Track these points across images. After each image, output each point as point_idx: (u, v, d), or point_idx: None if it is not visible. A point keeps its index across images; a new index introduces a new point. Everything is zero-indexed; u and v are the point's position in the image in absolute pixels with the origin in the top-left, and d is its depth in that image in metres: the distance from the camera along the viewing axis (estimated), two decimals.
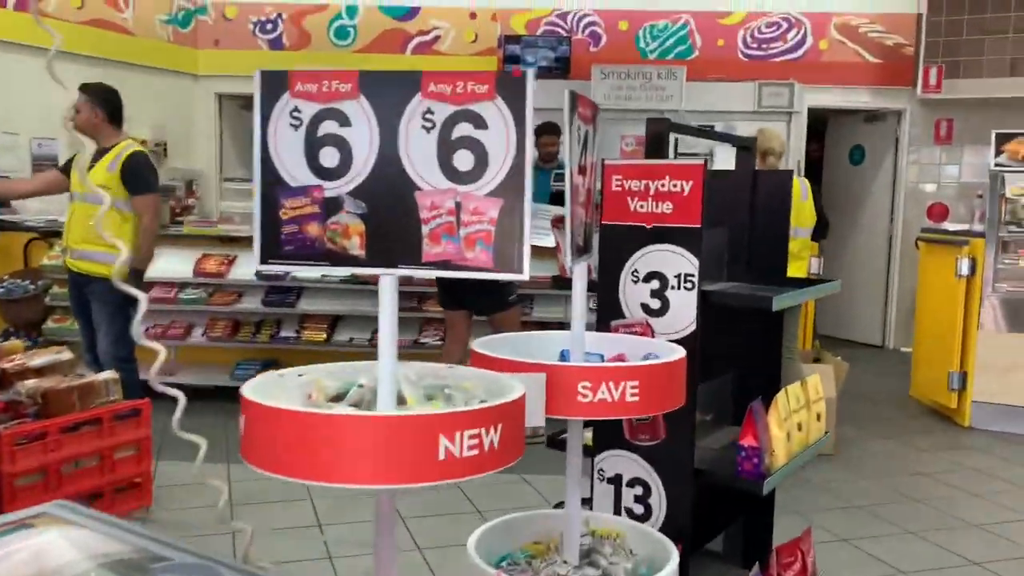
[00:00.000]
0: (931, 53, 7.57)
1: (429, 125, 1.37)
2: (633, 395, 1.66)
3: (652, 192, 2.12)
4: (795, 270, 4.56)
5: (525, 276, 1.36)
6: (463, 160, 1.37)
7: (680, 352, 1.83)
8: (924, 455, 4.85)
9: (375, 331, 1.43)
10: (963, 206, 7.79)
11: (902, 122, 8.15)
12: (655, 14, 8.05)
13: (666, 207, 2.11)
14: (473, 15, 8.12)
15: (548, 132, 5.99)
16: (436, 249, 1.39)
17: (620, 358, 1.95)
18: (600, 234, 2.21)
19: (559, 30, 8.05)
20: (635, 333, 2.16)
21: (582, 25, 8.08)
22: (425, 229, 1.38)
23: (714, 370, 2.58)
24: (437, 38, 8.18)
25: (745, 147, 2.67)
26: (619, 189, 2.17)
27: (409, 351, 5.12)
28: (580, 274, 1.77)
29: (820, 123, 9.15)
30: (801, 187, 4.51)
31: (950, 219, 7.79)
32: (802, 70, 8.01)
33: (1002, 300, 5.32)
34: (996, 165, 5.67)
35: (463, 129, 1.36)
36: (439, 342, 5.26)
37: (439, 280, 4.37)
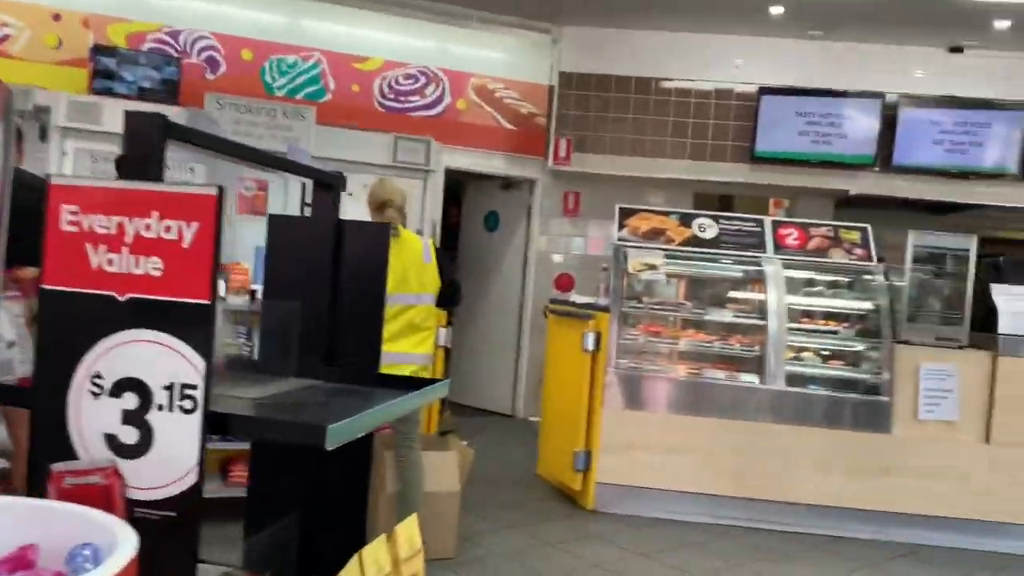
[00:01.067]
0: (561, 125, 7.63)
1: None
2: None
3: (130, 237, 1.21)
4: (420, 342, 3.89)
5: None
6: None
7: (129, 550, 0.93)
8: (547, 550, 4.41)
9: None
10: (588, 278, 7.90)
11: (535, 191, 8.13)
12: (284, 47, 7.20)
13: (153, 265, 1.21)
14: (57, 16, 6.62)
15: None
16: None
17: (22, 561, 0.99)
18: (40, 305, 1.25)
19: (169, 49, 6.84)
20: (93, 488, 1.21)
21: (197, 48, 6.96)
22: None
23: (266, 516, 1.72)
24: (7, 37, 6.52)
25: (327, 184, 1.87)
26: (74, 229, 1.23)
27: None
28: None
29: (459, 187, 8.92)
30: (424, 248, 3.88)
31: (575, 290, 7.85)
32: (440, 128, 7.66)
33: (623, 376, 5.17)
34: (619, 239, 5.62)
35: None
36: None
37: None
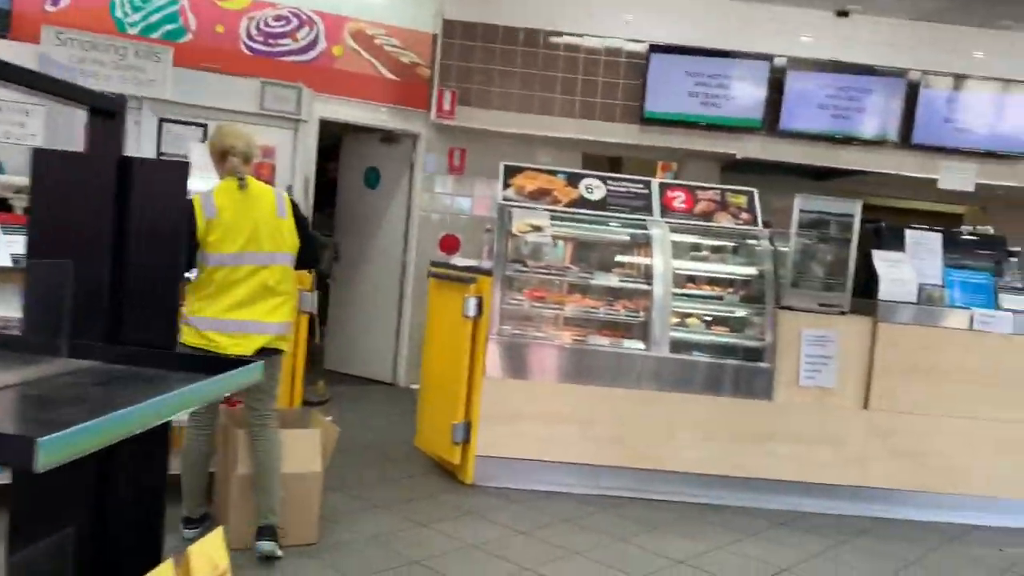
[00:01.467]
0: (445, 77, 7.22)
1: None
2: None
3: None
4: (274, 308, 3.48)
5: None
6: None
7: None
8: (420, 531, 4.11)
9: None
10: (474, 240, 7.58)
11: (417, 147, 7.71)
12: None
13: None
14: None
15: None
16: None
17: None
18: None
19: None
20: None
21: None
22: None
23: (34, 530, 1.34)
24: None
25: (106, 111, 1.46)
26: None
27: None
28: None
29: (337, 141, 8.39)
30: (277, 201, 3.45)
31: (461, 252, 7.53)
32: (314, 76, 7.12)
33: (506, 343, 4.90)
34: (504, 199, 5.31)
35: None
36: None
37: None
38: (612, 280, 5.20)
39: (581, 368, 4.93)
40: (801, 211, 5.05)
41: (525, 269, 5.11)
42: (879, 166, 7.44)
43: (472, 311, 4.86)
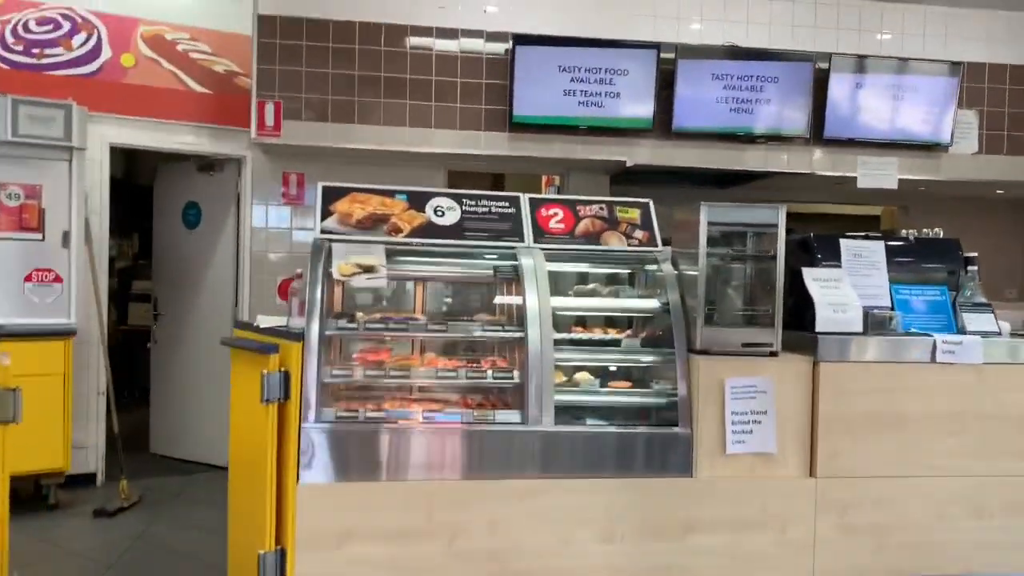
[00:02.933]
0: (266, 85, 5.82)
1: None
2: None
3: None
4: None
5: None
6: None
7: None
8: None
9: None
10: None
11: (243, 173, 6.29)
12: None
13: None
14: None
15: None
16: None
17: None
18: None
19: None
20: None
21: None
22: None
23: None
24: None
25: None
26: None
27: None
28: None
29: (152, 173, 6.91)
30: None
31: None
32: (98, 93, 5.66)
33: (330, 434, 3.53)
34: (323, 232, 3.98)
35: None
36: None
37: None
38: (473, 330, 3.91)
39: (437, 458, 3.61)
40: (711, 224, 3.88)
41: (352, 326, 3.75)
42: (789, 166, 6.43)
43: (275, 392, 3.48)
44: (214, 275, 6.44)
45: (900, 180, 6.28)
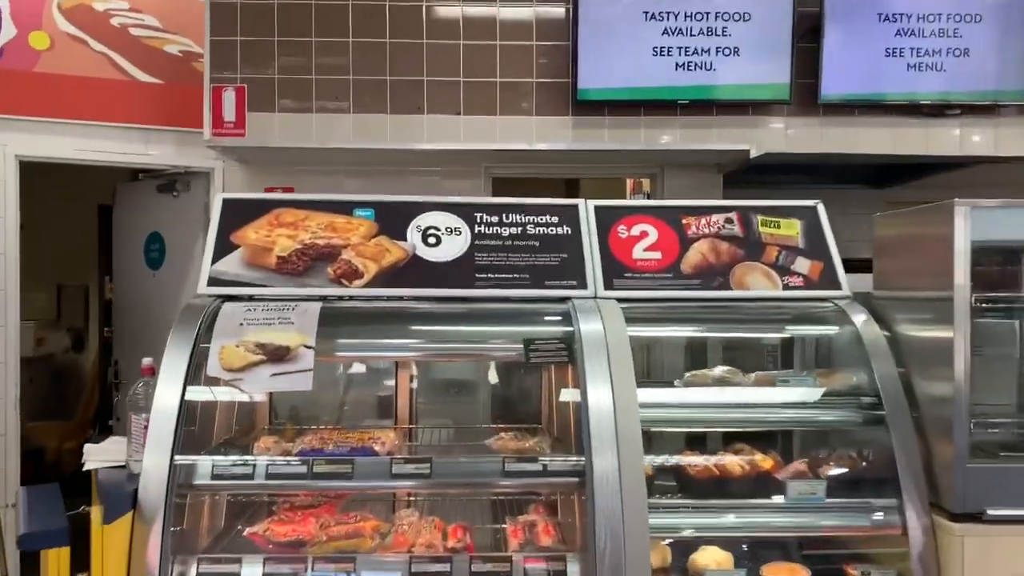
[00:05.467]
0: (223, 62, 4.08)
1: None
2: None
3: None
4: None
5: None
6: None
7: None
8: None
9: None
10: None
11: (212, 191, 4.58)
12: None
13: None
14: None
15: None
16: None
17: None
18: None
19: None
20: None
21: None
22: None
23: None
24: None
25: None
26: None
27: None
28: None
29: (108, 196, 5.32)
30: None
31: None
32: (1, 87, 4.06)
33: None
34: (212, 281, 2.18)
35: None
36: None
37: None
38: (486, 468, 2.00)
39: None
40: (975, 244, 1.86)
41: (239, 470, 1.89)
42: (999, 149, 4.27)
43: None
44: None
45: None
